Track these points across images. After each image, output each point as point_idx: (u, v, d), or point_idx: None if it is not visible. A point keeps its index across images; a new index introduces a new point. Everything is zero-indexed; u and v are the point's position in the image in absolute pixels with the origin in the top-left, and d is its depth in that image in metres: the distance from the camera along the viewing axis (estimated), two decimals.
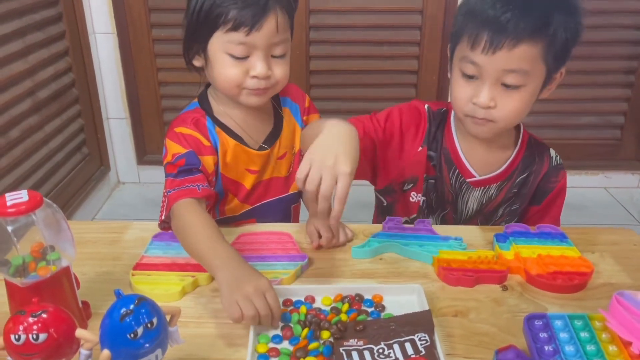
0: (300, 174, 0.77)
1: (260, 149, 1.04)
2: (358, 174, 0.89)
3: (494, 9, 0.86)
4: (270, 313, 0.72)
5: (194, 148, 0.95)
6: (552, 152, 1.08)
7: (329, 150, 0.77)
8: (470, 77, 0.91)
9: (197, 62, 0.97)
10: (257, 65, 0.92)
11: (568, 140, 2.39)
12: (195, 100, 1.05)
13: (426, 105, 1.07)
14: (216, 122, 1.01)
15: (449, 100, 1.00)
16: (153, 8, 2.18)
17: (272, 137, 1.06)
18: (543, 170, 1.06)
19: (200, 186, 0.90)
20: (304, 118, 1.12)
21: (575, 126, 2.42)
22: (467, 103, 0.93)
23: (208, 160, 0.97)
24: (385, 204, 1.13)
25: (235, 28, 0.89)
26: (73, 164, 2.09)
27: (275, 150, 1.06)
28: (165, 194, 0.92)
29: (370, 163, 1.07)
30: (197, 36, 0.94)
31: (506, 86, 0.89)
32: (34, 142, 1.79)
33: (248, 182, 1.05)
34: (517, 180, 1.05)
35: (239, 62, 0.92)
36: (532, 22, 0.85)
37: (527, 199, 1.08)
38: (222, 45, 0.91)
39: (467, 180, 1.04)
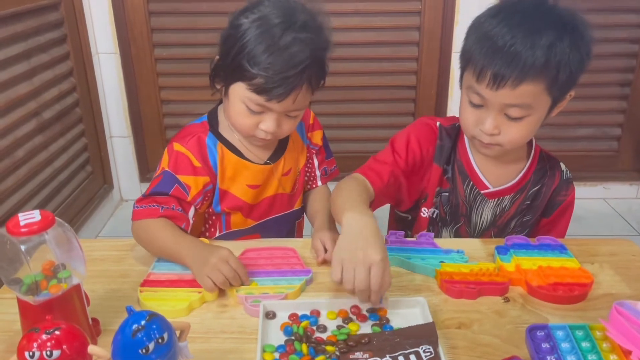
0: (334, 276, 0.79)
1: (264, 164, 1.06)
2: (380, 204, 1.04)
3: (503, 39, 0.87)
4: (237, 275, 0.85)
5: (178, 168, 0.99)
6: (563, 166, 1.11)
7: (355, 246, 0.79)
8: (476, 106, 0.94)
9: (219, 86, 1.00)
10: (268, 123, 0.96)
11: (566, 152, 2.40)
12: (205, 114, 1.07)
13: (438, 123, 1.09)
14: (220, 138, 1.04)
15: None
16: (155, 28, 2.21)
17: (277, 154, 1.08)
18: (555, 184, 1.08)
19: (164, 207, 0.96)
20: (308, 135, 1.15)
21: (573, 138, 2.45)
22: (473, 128, 0.96)
23: (195, 181, 1.00)
24: (409, 218, 1.15)
25: (256, 92, 0.92)
26: (77, 182, 2.10)
27: (279, 166, 1.08)
28: (134, 205, 0.99)
29: (395, 197, 1.09)
30: (223, 74, 0.97)
31: (509, 117, 0.92)
32: (38, 162, 1.81)
33: (249, 197, 1.07)
34: (530, 192, 1.08)
35: (252, 114, 0.96)
36: (535, 60, 0.85)
37: (539, 210, 1.10)
38: (241, 94, 0.94)
39: (482, 191, 1.06)
